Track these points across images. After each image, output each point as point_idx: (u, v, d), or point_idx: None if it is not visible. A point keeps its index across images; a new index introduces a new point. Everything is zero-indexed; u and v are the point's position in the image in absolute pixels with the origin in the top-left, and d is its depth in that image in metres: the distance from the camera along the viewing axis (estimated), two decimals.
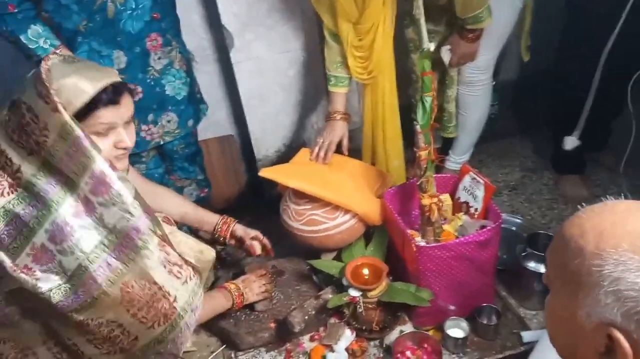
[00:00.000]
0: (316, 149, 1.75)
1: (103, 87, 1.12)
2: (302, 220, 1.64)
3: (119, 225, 1.12)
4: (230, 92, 2.21)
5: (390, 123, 1.76)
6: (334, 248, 1.71)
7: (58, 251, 1.10)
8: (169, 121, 1.72)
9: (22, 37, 1.41)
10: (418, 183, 1.46)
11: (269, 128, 2.15)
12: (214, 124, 2.19)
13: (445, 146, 2.10)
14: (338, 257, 1.69)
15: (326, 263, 1.67)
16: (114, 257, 1.12)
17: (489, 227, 1.44)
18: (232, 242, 1.65)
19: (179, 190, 1.94)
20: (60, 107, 1.05)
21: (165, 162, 1.88)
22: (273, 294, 1.62)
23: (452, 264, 1.44)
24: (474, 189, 1.59)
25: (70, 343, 1.21)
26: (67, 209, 1.10)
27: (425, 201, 1.47)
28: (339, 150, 1.78)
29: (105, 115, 1.15)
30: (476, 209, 1.59)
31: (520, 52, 1.92)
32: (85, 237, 1.10)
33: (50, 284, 1.11)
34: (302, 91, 2.11)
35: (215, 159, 2.23)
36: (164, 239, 1.19)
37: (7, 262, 1.10)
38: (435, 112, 1.41)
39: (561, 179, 2.11)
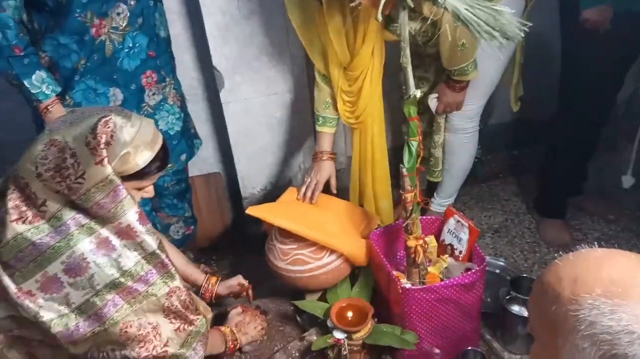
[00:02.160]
0: (303, 188, 1.77)
1: (157, 155, 1.18)
2: (287, 260, 1.64)
3: (134, 270, 1.15)
4: (218, 131, 2.25)
5: (379, 165, 1.79)
6: (319, 289, 1.71)
7: (69, 283, 1.12)
8: None
9: (25, 82, 1.42)
10: (404, 225, 1.48)
11: (255, 166, 2.18)
12: (201, 161, 2.20)
13: (430, 189, 2.13)
14: (323, 298, 1.69)
15: (311, 304, 1.66)
16: (121, 298, 1.15)
17: (473, 270, 1.46)
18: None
19: (165, 227, 1.93)
20: (106, 161, 1.08)
21: (154, 199, 1.88)
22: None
23: (437, 307, 1.45)
24: (459, 232, 1.62)
25: None
26: (87, 244, 1.12)
27: (411, 242, 1.48)
28: (326, 190, 1.80)
29: (156, 177, 1.22)
30: (461, 252, 1.61)
31: (504, 99, 1.99)
32: (100, 275, 1.12)
33: (52, 314, 1.12)
34: (289, 131, 2.15)
35: (201, 197, 2.24)
36: (174, 291, 1.21)
37: (12, 287, 1.11)
38: (422, 156, 1.45)
39: (542, 222, 2.16)
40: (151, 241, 1.16)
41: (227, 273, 2.11)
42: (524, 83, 1.95)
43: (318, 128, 1.81)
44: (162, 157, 1.20)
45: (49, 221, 1.11)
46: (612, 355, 0.59)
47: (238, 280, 1.64)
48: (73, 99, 1.55)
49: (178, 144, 1.76)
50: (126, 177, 1.14)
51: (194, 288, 1.61)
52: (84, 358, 1.17)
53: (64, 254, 1.11)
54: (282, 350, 1.50)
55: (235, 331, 1.51)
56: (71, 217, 1.12)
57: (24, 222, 1.11)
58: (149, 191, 1.26)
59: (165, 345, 1.21)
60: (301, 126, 2.14)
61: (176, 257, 1.58)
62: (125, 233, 1.14)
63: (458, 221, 1.62)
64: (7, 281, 1.11)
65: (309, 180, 1.77)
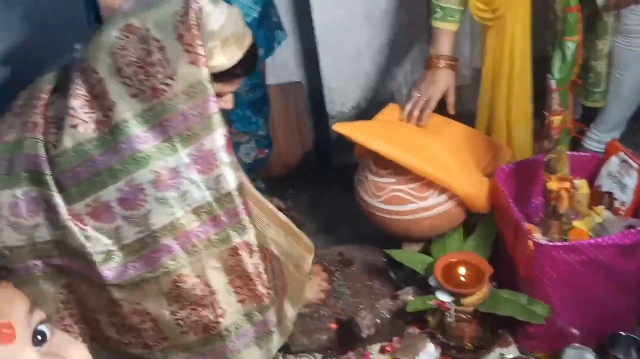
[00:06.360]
0: (409, 105, 1.75)
1: (245, 54, 1.24)
2: (382, 196, 1.67)
3: (202, 211, 1.21)
4: (301, 26, 2.27)
5: (519, 79, 1.73)
6: (422, 237, 1.73)
7: (122, 216, 1.20)
8: None
9: None
10: (545, 160, 1.45)
11: (347, 74, 2.19)
12: (278, 66, 2.25)
13: (587, 119, 2.06)
14: (426, 250, 1.72)
15: (409, 255, 1.70)
16: (179, 245, 1.22)
17: (639, 229, 1.41)
18: None
19: (234, 147, 2.00)
20: (202, 61, 1.14)
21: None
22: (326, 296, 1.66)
23: (581, 273, 1.43)
24: (623, 176, 1.56)
25: (92, 317, 1.32)
26: (148, 173, 1.18)
27: (553, 184, 1.45)
28: (440, 109, 1.78)
29: (238, 83, 1.28)
30: (623, 203, 1.56)
31: None
32: (158, 212, 1.19)
33: (100, 247, 1.22)
34: (396, 27, 2.12)
35: (277, 112, 2.28)
36: (242, 248, 1.26)
37: (63, 208, 1.21)
38: (579, 65, 1.38)
39: None
40: (231, 178, 1.20)
41: (305, 211, 2.19)
42: None
43: (435, 23, 1.76)
44: (250, 57, 1.24)
45: (111, 131, 1.18)
46: None
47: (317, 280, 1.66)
48: None
49: (255, 36, 1.80)
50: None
51: None
52: (124, 311, 1.26)
53: (122, 179, 1.18)
54: (369, 309, 1.56)
55: None
56: (136, 136, 1.17)
57: (85, 129, 1.18)
58: (228, 101, 1.30)
59: (219, 316, 1.28)
60: (413, 21, 2.11)
61: None
62: (203, 161, 1.19)
63: (624, 161, 1.56)
64: (58, 199, 1.21)
65: (418, 95, 1.76)
